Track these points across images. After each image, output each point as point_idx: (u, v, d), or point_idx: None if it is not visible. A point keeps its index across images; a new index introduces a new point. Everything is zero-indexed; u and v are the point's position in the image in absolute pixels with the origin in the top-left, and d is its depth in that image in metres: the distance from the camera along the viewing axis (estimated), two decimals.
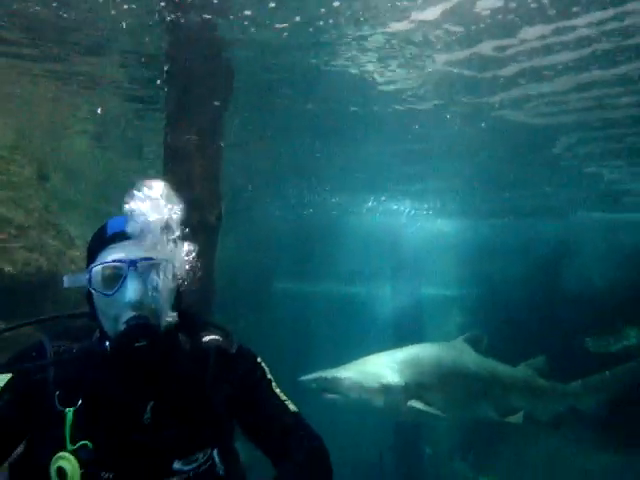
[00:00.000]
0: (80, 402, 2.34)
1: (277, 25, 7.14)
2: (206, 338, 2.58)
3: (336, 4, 6.71)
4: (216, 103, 6.86)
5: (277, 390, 2.67)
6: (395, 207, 18.60)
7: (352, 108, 9.99)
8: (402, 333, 14.02)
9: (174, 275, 2.38)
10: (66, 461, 2.26)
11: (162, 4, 6.72)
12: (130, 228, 2.35)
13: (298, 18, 7.05)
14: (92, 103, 9.72)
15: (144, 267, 2.31)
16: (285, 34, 7.37)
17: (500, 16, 6.89)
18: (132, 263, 2.30)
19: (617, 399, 11.46)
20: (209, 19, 6.91)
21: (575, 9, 6.72)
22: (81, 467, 2.26)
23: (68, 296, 7.96)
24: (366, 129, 11.07)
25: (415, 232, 19.59)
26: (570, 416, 11.44)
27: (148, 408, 2.40)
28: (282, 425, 2.59)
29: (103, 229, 2.44)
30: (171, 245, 2.39)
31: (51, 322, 2.63)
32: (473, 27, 7.21)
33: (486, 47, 7.74)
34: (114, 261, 2.32)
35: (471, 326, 16.40)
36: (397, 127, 10.85)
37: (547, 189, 15.51)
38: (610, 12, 6.82)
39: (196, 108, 6.71)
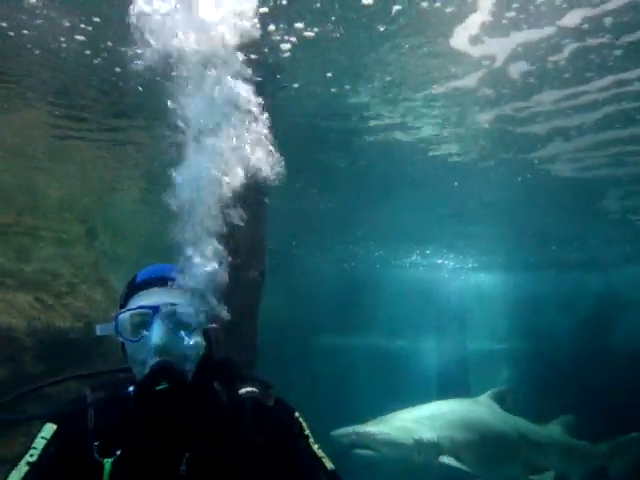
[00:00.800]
0: (118, 452, 2.36)
1: (331, 90, 7.34)
2: (243, 390, 2.55)
3: (382, 78, 7.04)
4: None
5: (315, 447, 2.60)
6: (439, 261, 18.53)
7: (395, 166, 10.13)
8: (446, 387, 13.78)
9: (203, 321, 2.38)
10: None
11: None
12: (161, 275, 2.40)
13: (348, 87, 7.30)
14: (141, 159, 9.96)
15: (169, 312, 2.31)
16: (331, 97, 7.57)
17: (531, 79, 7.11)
18: (156, 309, 2.31)
19: None
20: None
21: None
22: None
23: (117, 351, 8.07)
24: (410, 186, 11.18)
25: (460, 286, 19.47)
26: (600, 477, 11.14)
27: (184, 459, 2.38)
28: None
29: (133, 277, 2.47)
30: (201, 292, 2.40)
31: (91, 377, 2.65)
32: (505, 90, 7.41)
33: (519, 106, 7.90)
34: (138, 307, 2.34)
35: (517, 380, 16.19)
36: (439, 184, 10.95)
37: (595, 241, 15.31)
38: None
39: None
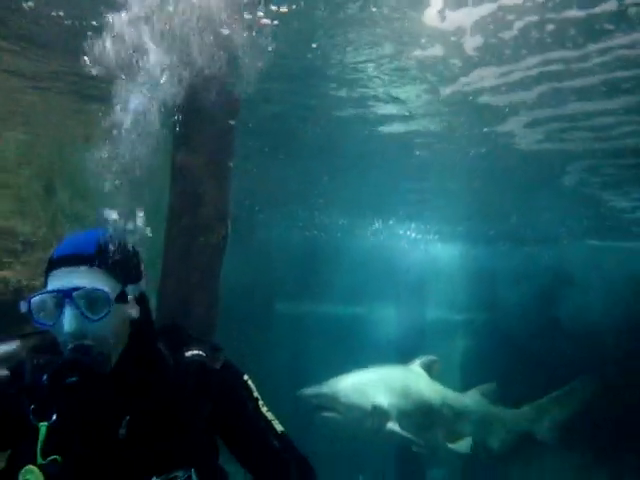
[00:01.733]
0: (54, 416, 2.32)
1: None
2: (189, 353, 2.53)
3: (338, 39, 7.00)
4: (230, 122, 6.91)
5: (264, 409, 2.61)
6: (401, 231, 18.60)
7: (358, 134, 10.11)
8: (404, 354, 13.82)
9: (120, 300, 2.31)
10: (32, 475, 2.25)
11: None
12: (73, 252, 2.31)
13: (314, 45, 7.23)
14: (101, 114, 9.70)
15: (80, 296, 2.23)
16: (294, 63, 7.57)
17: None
18: (66, 293, 2.22)
19: (568, 419, 11.47)
20: None
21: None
22: None
23: None
24: (371, 155, 11.18)
25: (420, 256, 19.57)
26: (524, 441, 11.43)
27: (124, 423, 2.37)
28: (268, 447, 2.56)
29: (52, 252, 2.36)
30: (120, 269, 2.33)
31: (27, 338, 2.53)
32: (463, 63, 7.52)
33: (477, 79, 8.01)
34: (47, 292, 2.27)
35: (474, 351, 16.44)
36: (401, 154, 10.96)
37: (554, 216, 15.49)
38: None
39: (205, 126, 6.72)
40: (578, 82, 7.91)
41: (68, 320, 2.21)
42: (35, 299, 2.29)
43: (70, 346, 2.22)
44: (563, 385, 12.18)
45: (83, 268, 2.28)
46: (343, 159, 11.60)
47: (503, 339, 15.63)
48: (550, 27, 6.56)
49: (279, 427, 2.62)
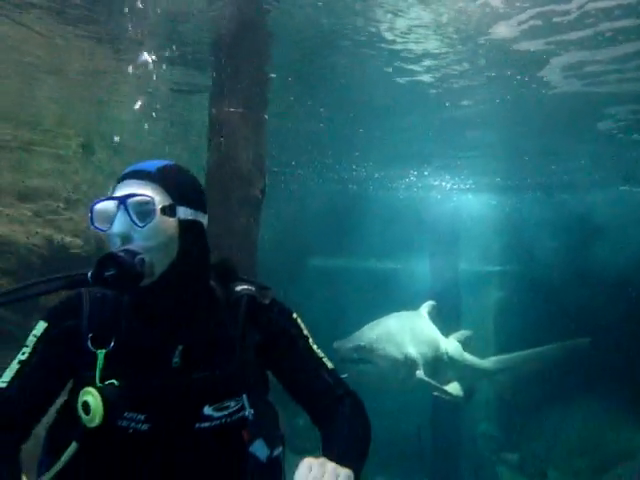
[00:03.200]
0: (112, 344, 2.44)
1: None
2: (239, 287, 2.65)
3: None
4: (271, 75, 6.91)
5: (314, 346, 2.72)
6: (435, 182, 18.47)
7: (393, 85, 10.03)
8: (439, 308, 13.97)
9: (167, 213, 2.41)
10: (90, 396, 2.35)
11: None
12: (135, 169, 2.47)
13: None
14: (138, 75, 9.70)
15: (132, 203, 2.37)
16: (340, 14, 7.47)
17: None
18: (121, 199, 2.37)
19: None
20: None
21: None
22: (105, 403, 2.34)
23: None
24: (408, 103, 11.10)
25: (454, 208, 19.45)
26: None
27: (177, 352, 2.48)
28: (321, 381, 2.66)
29: None
30: (175, 189, 2.46)
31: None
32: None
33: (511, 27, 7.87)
34: (106, 198, 2.43)
35: (509, 301, 16.45)
36: (438, 101, 10.86)
37: (589, 163, 15.28)
38: None
39: (241, 80, 6.77)
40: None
41: (116, 222, 2.38)
42: (95, 206, 2.46)
43: (116, 250, 2.35)
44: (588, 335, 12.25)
45: (140, 182, 2.44)
46: (378, 111, 11.52)
47: (536, 290, 15.62)
48: None
49: (329, 364, 2.72)
